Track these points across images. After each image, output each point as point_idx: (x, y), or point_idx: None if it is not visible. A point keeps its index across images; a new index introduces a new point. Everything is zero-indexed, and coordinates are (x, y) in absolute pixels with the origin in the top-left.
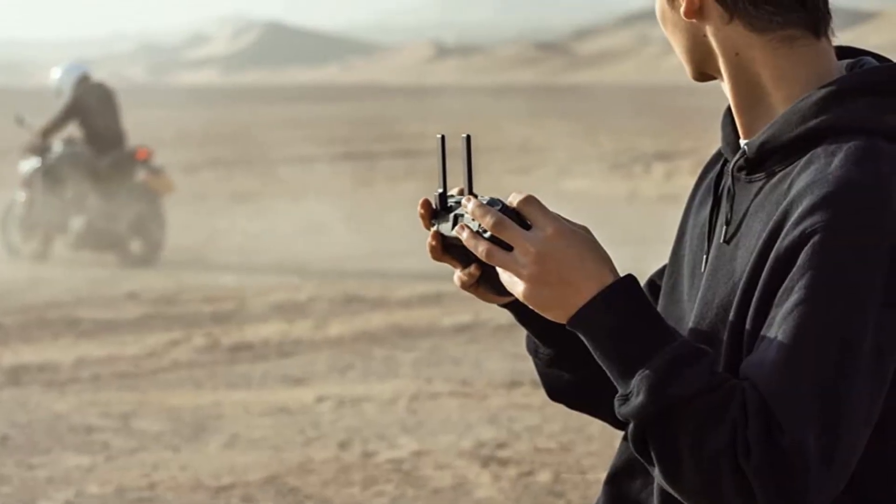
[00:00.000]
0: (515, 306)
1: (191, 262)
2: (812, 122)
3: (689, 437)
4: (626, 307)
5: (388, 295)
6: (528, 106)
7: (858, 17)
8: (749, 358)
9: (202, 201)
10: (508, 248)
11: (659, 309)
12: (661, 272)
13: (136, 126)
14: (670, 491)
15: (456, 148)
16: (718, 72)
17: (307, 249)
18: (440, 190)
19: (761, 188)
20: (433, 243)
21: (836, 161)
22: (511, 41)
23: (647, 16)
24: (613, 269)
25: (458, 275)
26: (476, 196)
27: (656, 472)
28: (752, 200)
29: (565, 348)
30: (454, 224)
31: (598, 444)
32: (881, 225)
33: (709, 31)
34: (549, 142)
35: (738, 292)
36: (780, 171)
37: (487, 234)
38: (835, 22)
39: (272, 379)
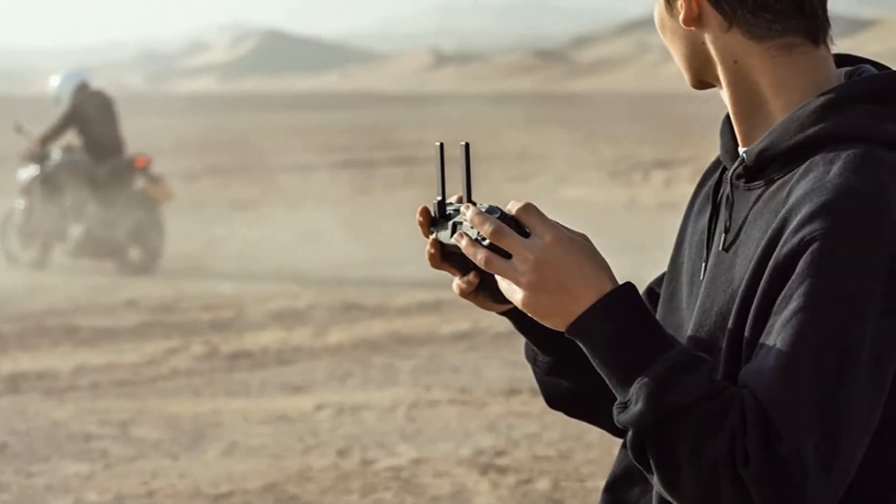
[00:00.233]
0: (514, 314)
1: (190, 269)
2: (811, 130)
3: (687, 444)
4: (625, 315)
5: (387, 303)
6: (526, 114)
7: (857, 25)
8: (748, 366)
9: (201, 209)
10: (507, 255)
11: (658, 317)
12: (659, 280)
13: (135, 134)
14: (669, 499)
15: (455, 156)
16: (717, 79)
17: (306, 257)
18: (439, 198)
19: (760, 196)
20: (432, 251)
21: (835, 169)
22: (510, 49)
23: (646, 24)
24: (612, 277)
25: (456, 282)
26: (475, 204)
27: (655, 480)
28: (751, 208)
29: (564, 356)
30: (453, 232)
31: (596, 451)
32: (880, 233)
33: (707, 38)
34: (548, 149)
35: (737, 300)
36: (778, 178)
37: (486, 242)
38: (833, 30)
39: (271, 387)
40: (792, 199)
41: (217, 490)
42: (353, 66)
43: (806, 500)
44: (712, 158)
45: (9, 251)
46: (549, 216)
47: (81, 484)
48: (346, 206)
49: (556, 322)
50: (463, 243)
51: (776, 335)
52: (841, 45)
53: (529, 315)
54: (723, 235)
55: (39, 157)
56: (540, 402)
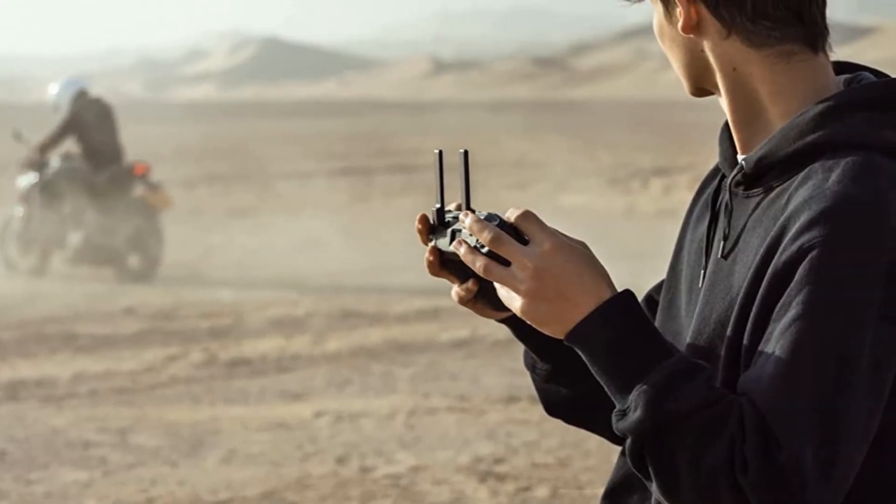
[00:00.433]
0: (513, 321)
1: (188, 277)
2: (810, 138)
3: (686, 452)
4: (624, 322)
5: (386, 310)
6: (525, 121)
7: (856, 33)
8: (747, 373)
9: (200, 216)
10: (506, 263)
11: (657, 324)
12: (658, 287)
13: (134, 141)
14: None
15: (453, 163)
16: (716, 87)
17: (305, 265)
18: (438, 205)
19: (759, 203)
20: (431, 258)
21: (834, 176)
22: (509, 56)
23: (645, 31)
24: (611, 285)
25: (455, 290)
26: (473, 211)
27: (654, 488)
28: (750, 216)
29: (563, 363)
30: (452, 239)
31: (595, 459)
32: (879, 240)
33: (706, 46)
34: (547, 157)
35: (736, 307)
36: (777, 186)
37: (485, 250)
38: (832, 37)
39: (270, 394)
40: (791, 207)
41: (216, 497)
42: (351, 74)
43: None
44: (711, 166)
45: (8, 258)
46: (548, 223)
47: (80, 491)
48: (344, 214)
49: (555, 329)
50: (462, 251)
51: (775, 342)
52: (840, 52)
53: (528, 322)
54: (721, 243)
55: (38, 164)
56: (539, 409)
